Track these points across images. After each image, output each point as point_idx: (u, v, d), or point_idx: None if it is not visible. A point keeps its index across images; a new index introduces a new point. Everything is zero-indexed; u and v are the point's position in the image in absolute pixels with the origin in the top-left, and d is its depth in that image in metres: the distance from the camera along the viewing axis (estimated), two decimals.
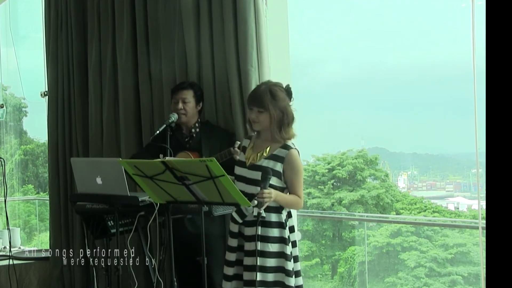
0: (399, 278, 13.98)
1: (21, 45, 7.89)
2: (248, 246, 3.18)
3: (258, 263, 3.11)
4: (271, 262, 3.15)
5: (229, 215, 3.40)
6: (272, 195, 3.08)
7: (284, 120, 3.21)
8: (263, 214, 3.11)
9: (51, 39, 5.30)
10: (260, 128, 3.27)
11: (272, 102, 3.18)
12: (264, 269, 3.13)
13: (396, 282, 13.79)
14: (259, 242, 3.09)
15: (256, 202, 3.09)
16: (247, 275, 3.17)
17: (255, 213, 3.10)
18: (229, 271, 3.28)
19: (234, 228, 3.29)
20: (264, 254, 3.13)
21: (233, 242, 3.29)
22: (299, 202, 3.24)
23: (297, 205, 3.27)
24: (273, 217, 3.19)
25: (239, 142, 3.44)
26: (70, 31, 5.10)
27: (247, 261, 3.18)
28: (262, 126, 3.25)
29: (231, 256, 3.29)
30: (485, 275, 2.19)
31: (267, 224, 3.17)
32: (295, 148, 3.26)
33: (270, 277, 3.14)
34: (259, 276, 3.11)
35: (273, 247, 3.16)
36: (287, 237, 3.19)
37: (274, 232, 3.18)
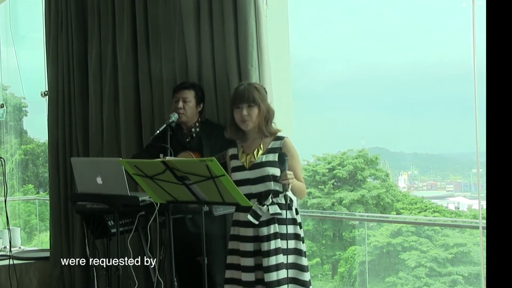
0: (400, 278, 13.98)
1: (21, 44, 7.90)
2: (266, 246, 3.16)
3: (279, 261, 3.12)
4: (289, 258, 3.14)
5: (230, 216, 3.39)
6: (293, 175, 3.07)
7: (270, 115, 3.31)
8: (278, 210, 3.15)
9: (51, 38, 5.30)
10: (251, 126, 3.29)
11: (260, 96, 3.29)
12: (284, 266, 3.12)
13: (397, 282, 13.79)
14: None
15: (262, 200, 3.12)
16: (268, 276, 3.12)
17: (265, 211, 3.12)
18: (249, 276, 3.21)
19: (249, 232, 3.23)
20: (282, 251, 3.14)
21: (248, 247, 3.23)
22: (305, 187, 3.28)
23: (304, 191, 3.28)
24: (286, 214, 3.19)
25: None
26: (70, 31, 5.10)
27: (266, 262, 3.15)
28: (253, 122, 3.28)
29: (248, 261, 3.22)
30: (485, 275, 2.19)
31: (282, 221, 3.17)
32: (287, 137, 3.31)
33: (288, 273, 3.13)
34: (279, 274, 3.10)
35: (289, 244, 3.16)
36: (299, 233, 3.21)
37: (289, 229, 3.17)
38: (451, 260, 13.79)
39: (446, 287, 13.54)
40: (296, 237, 3.20)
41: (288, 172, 3.04)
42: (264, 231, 3.18)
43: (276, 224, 3.17)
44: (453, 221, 15.87)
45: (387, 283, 13.77)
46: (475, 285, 12.95)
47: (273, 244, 3.15)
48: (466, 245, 13.79)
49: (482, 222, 3.74)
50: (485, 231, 3.42)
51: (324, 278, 15.09)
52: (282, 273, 3.11)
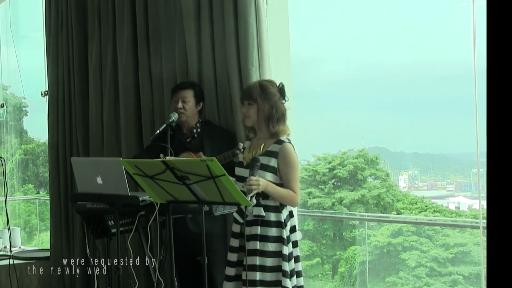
0: (400, 278, 13.96)
1: (21, 44, 7.89)
2: (248, 245, 3.17)
3: (258, 263, 3.11)
4: (269, 261, 3.15)
5: (231, 215, 3.40)
6: (260, 183, 3.03)
7: (273, 115, 3.24)
8: (262, 213, 3.14)
9: (52, 38, 5.29)
10: (251, 123, 3.30)
11: (261, 95, 3.24)
12: (263, 269, 3.13)
13: (397, 282, 13.77)
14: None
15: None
16: (245, 275, 3.16)
17: (251, 212, 3.13)
18: (231, 271, 3.28)
19: (236, 228, 3.30)
20: (263, 253, 3.14)
21: (234, 243, 3.30)
22: (294, 197, 3.20)
23: (291, 201, 3.21)
24: (272, 217, 3.18)
25: (242, 144, 3.45)
26: (71, 31, 5.10)
27: (244, 260, 3.17)
28: (252, 120, 3.28)
29: (232, 257, 3.29)
30: (486, 275, 2.20)
31: (266, 223, 3.18)
32: (290, 143, 3.26)
33: (268, 276, 3.14)
34: (258, 276, 3.11)
35: (271, 247, 3.15)
36: (285, 237, 3.18)
37: (273, 232, 3.17)
38: (452, 260, 13.77)
39: (446, 287, 13.53)
40: (280, 240, 3.17)
41: (253, 178, 3.01)
42: (247, 230, 3.18)
43: (259, 226, 3.17)
44: (454, 221, 15.84)
45: (388, 283, 13.76)
46: (475, 285, 12.93)
47: (252, 245, 3.15)
48: (467, 245, 13.78)
49: (483, 222, 3.75)
50: (485, 231, 3.41)
51: (324, 278, 15.08)
52: (252, 275, 3.12)
